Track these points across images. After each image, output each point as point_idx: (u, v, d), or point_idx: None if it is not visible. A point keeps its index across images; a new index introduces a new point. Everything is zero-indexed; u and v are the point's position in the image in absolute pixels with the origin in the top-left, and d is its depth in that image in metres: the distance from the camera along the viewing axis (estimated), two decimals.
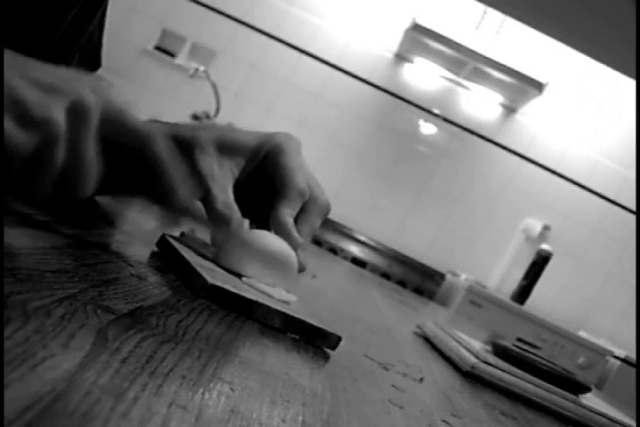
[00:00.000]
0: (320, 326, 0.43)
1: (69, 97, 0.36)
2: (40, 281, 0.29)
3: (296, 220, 0.53)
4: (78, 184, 0.38)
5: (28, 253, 0.34)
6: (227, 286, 0.41)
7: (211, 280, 0.40)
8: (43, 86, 0.35)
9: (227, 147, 0.54)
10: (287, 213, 0.52)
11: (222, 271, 0.46)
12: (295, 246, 0.50)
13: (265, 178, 0.55)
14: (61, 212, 0.51)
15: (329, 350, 0.43)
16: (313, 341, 0.43)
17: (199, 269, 0.43)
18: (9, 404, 0.17)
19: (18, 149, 0.34)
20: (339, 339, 0.43)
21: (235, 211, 0.51)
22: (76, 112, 0.36)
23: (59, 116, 0.35)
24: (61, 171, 0.37)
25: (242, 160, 0.55)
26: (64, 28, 0.62)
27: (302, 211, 0.54)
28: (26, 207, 0.46)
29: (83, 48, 0.67)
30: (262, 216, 0.56)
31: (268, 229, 0.52)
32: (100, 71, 0.77)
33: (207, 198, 0.50)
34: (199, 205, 0.51)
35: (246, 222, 0.57)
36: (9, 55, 0.37)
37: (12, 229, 0.37)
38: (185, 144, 0.50)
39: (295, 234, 0.51)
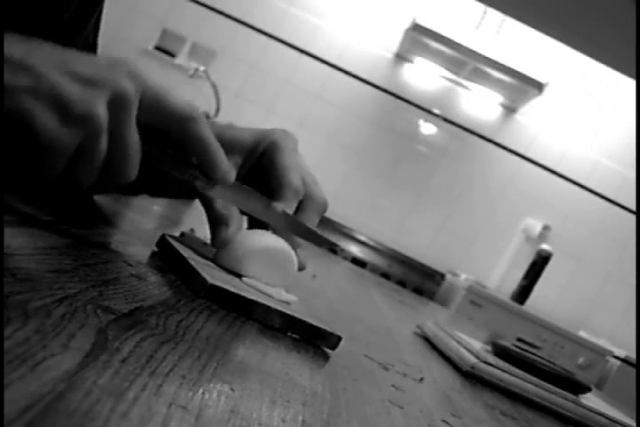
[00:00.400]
0: (320, 326, 0.43)
1: (110, 89, 0.37)
2: (40, 281, 0.29)
3: None
4: (122, 170, 0.40)
5: (28, 253, 0.34)
6: (227, 286, 0.41)
7: (211, 280, 0.40)
8: (83, 80, 0.37)
9: (224, 145, 0.54)
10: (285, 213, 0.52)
11: (222, 271, 0.46)
12: (295, 246, 0.50)
13: (262, 176, 0.55)
14: (62, 212, 0.51)
15: (329, 350, 0.43)
16: (313, 341, 0.43)
17: (199, 269, 0.43)
18: (9, 404, 0.17)
19: (64, 146, 0.36)
20: (339, 339, 0.43)
21: (233, 211, 0.50)
22: (118, 103, 0.38)
23: (101, 110, 0.37)
24: (105, 158, 0.38)
25: (239, 159, 0.55)
26: (62, 28, 0.62)
27: (299, 209, 0.54)
28: (27, 207, 0.46)
29: (79, 49, 0.67)
30: None
31: (267, 229, 0.52)
32: None
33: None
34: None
35: (245, 222, 0.57)
36: (48, 48, 0.38)
37: (12, 229, 0.37)
38: None
39: None
